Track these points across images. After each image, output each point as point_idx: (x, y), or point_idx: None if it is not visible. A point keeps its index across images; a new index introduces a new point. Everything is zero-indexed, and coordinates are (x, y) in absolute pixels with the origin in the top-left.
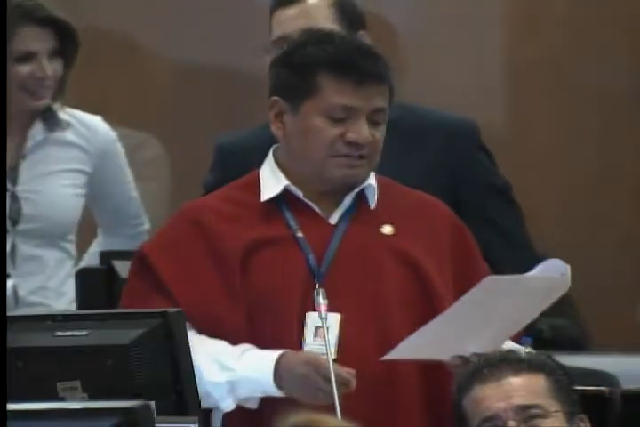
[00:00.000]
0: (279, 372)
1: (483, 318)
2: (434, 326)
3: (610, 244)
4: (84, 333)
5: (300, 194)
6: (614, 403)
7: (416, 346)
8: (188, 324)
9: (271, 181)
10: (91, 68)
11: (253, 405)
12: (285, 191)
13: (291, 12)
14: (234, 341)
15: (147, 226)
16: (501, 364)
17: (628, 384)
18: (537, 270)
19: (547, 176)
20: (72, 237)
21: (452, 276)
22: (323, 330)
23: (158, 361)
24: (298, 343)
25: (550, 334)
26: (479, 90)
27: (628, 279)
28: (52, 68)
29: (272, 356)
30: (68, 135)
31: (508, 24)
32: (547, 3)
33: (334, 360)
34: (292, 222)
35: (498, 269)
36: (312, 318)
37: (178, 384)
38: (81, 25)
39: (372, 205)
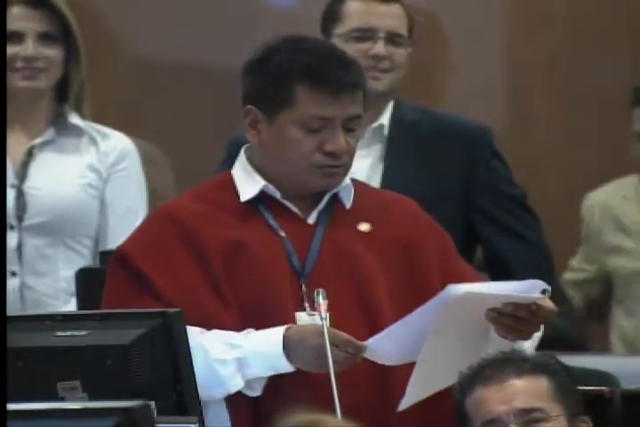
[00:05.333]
0: (288, 345)
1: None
2: (403, 328)
3: None
4: (83, 333)
5: (277, 195)
6: (614, 403)
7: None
8: None
9: (247, 182)
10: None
11: (257, 390)
12: (262, 192)
13: (382, 8)
14: None
15: None
16: (504, 365)
17: (628, 384)
18: (514, 289)
19: (546, 176)
20: (87, 241)
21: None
22: (323, 329)
23: (158, 361)
24: None
25: (550, 334)
26: (479, 90)
27: None
28: (41, 50)
29: (278, 330)
30: (83, 139)
31: (507, 24)
32: (547, 3)
33: None
34: (273, 222)
35: (515, 275)
36: (302, 318)
37: (178, 384)
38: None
39: (348, 205)
